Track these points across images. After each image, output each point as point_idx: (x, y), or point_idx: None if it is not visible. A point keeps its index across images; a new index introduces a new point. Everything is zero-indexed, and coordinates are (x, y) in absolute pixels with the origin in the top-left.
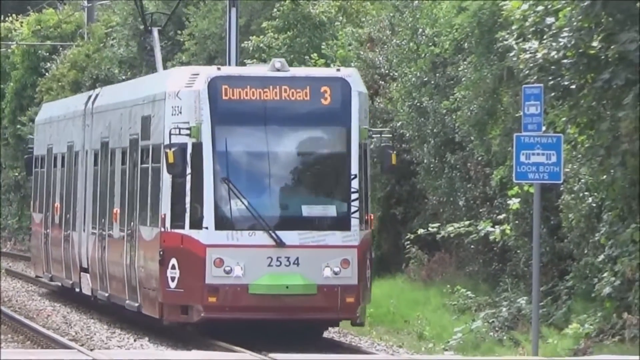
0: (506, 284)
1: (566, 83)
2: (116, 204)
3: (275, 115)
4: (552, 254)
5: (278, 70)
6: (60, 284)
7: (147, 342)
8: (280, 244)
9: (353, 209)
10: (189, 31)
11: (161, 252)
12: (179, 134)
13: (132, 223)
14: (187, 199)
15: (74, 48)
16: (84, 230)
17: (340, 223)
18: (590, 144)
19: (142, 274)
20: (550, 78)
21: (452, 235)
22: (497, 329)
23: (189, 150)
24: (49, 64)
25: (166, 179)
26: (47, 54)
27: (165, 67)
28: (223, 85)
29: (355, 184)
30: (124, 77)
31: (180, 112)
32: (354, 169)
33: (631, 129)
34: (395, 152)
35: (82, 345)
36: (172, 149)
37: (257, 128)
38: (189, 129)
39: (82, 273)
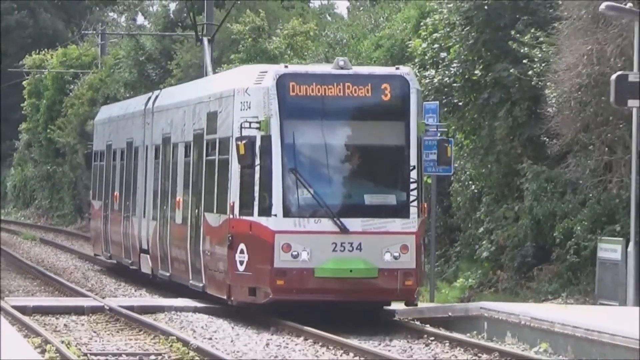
0: None
1: (455, 101)
2: (179, 193)
3: (339, 110)
4: (444, 227)
5: (342, 68)
6: (115, 262)
7: (145, 292)
8: (344, 230)
9: (412, 197)
10: (176, 61)
11: (230, 238)
12: (250, 127)
13: (196, 210)
14: (256, 188)
15: (91, 74)
16: (144, 216)
17: (400, 211)
18: (473, 146)
19: (207, 257)
20: (443, 97)
21: None
22: None
23: (258, 142)
24: (72, 86)
25: (235, 169)
26: (71, 78)
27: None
28: (290, 82)
29: (414, 174)
30: (127, 96)
31: (249, 107)
32: (413, 160)
33: (504, 135)
34: (450, 145)
35: (96, 294)
36: (243, 142)
37: (322, 122)
38: (259, 122)
39: (141, 254)
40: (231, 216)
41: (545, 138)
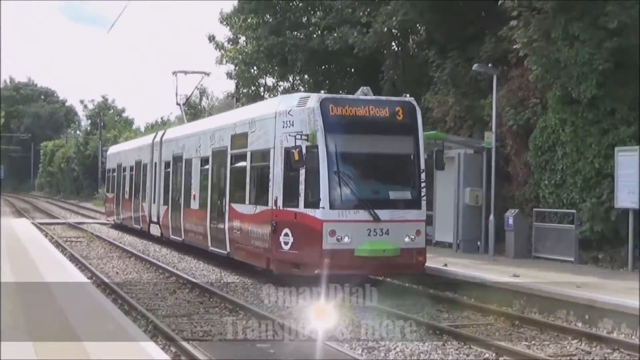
0: None
1: None
2: (194, 189)
3: (367, 126)
4: None
5: (365, 95)
6: (121, 223)
7: (44, 217)
8: (377, 219)
9: (422, 193)
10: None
11: (274, 223)
12: (300, 139)
13: (219, 201)
14: (302, 187)
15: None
16: (154, 202)
17: (414, 204)
18: None
19: (236, 234)
20: None
21: None
22: None
23: (304, 151)
24: None
25: (277, 172)
26: None
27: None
28: (330, 104)
29: (423, 176)
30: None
31: (292, 125)
32: (422, 165)
33: None
34: (444, 153)
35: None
36: (297, 150)
37: (356, 135)
38: (306, 135)
39: (151, 224)
40: (274, 207)
41: None
